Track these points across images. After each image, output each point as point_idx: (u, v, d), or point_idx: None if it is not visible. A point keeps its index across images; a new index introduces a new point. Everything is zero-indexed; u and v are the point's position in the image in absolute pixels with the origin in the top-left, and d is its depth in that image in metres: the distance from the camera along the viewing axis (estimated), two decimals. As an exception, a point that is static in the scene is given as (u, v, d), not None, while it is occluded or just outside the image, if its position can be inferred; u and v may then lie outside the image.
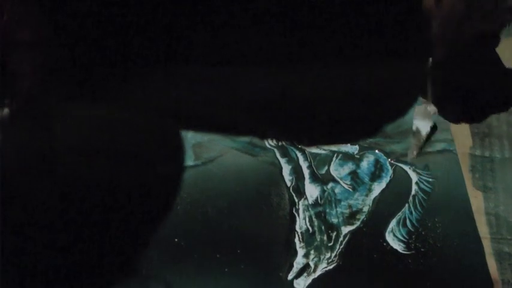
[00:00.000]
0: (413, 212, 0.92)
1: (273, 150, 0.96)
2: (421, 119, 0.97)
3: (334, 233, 0.91)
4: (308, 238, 0.90)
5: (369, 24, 1.02)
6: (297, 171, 0.95)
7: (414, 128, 0.97)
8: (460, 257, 0.89)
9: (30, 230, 0.87)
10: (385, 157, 0.97)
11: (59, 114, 0.95)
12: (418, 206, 0.93)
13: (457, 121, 0.99)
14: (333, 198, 0.93)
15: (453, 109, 0.99)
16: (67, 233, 0.88)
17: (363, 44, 1.02)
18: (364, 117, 0.99)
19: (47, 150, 0.92)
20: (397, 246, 0.90)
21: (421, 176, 0.95)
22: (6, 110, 0.88)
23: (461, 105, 0.99)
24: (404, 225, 0.91)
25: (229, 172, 0.94)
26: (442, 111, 0.98)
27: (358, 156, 0.97)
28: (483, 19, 0.93)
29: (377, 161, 0.96)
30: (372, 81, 1.00)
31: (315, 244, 0.90)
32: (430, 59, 0.96)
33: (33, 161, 0.90)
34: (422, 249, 0.89)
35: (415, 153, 0.96)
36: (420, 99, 0.97)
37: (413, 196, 0.94)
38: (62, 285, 0.84)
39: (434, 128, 0.97)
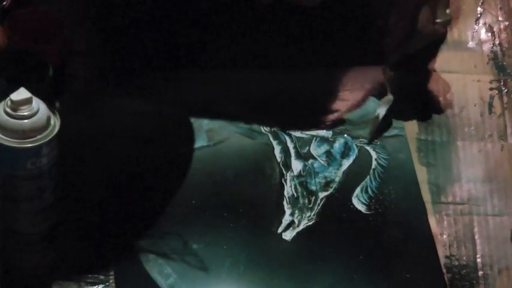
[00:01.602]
0: (373, 182, 1.03)
1: (267, 135, 1.08)
2: (383, 106, 1.06)
3: (313, 198, 1.01)
4: (293, 201, 1.00)
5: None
6: (285, 150, 1.06)
7: (376, 113, 1.06)
8: (409, 216, 1.01)
9: (83, 190, 0.97)
10: (352, 140, 1.09)
11: (106, 108, 1.06)
12: (377, 177, 1.04)
13: (406, 119, 1.09)
14: (312, 171, 1.04)
15: (405, 107, 1.08)
16: (109, 198, 0.97)
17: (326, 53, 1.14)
18: (333, 109, 1.11)
19: (96, 135, 1.02)
20: (361, 207, 1.00)
21: (379, 154, 1.07)
22: (65, 105, 0.97)
23: (411, 103, 1.09)
24: (366, 191, 1.02)
25: (234, 151, 1.05)
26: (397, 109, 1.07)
27: (331, 139, 1.08)
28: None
29: (346, 143, 1.08)
30: (336, 83, 1.12)
31: (298, 206, 1.00)
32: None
33: (86, 143, 1.01)
34: (380, 210, 1.00)
35: (369, 136, 1.05)
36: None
37: (373, 169, 1.05)
38: (101, 235, 0.93)
39: (387, 118, 1.06)
